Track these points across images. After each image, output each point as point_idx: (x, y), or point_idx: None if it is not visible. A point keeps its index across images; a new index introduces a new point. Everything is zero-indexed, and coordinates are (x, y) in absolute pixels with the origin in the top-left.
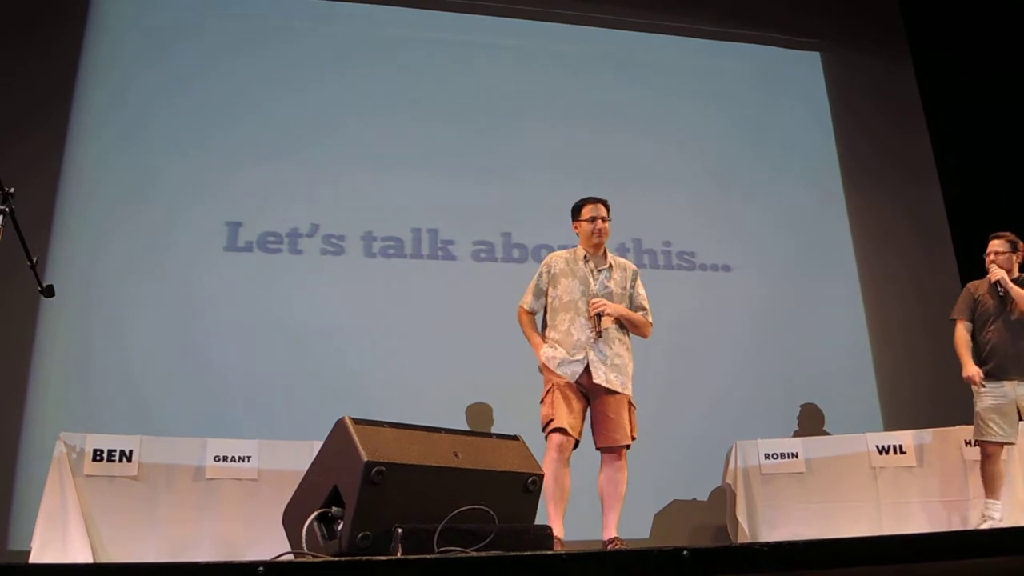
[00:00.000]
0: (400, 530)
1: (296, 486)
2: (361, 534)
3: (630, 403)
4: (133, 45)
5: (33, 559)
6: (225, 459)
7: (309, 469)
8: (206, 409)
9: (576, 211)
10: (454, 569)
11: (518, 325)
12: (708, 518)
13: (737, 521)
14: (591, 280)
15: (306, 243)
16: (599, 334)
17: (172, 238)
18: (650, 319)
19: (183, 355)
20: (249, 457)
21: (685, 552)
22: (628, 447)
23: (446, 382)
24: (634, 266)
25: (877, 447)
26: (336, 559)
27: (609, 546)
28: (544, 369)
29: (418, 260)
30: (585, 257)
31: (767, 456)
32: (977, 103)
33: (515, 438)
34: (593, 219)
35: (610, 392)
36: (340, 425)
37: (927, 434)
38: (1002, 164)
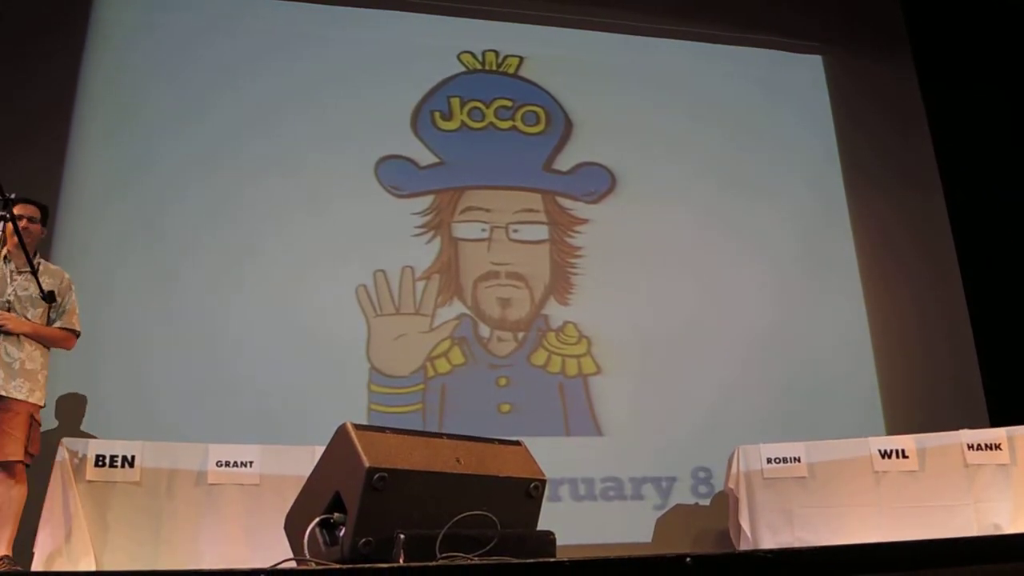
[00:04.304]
0: (402, 536)
1: (298, 491)
2: (363, 540)
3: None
4: (137, 55)
5: (35, 566)
6: (227, 464)
7: (311, 475)
8: (209, 414)
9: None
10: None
11: None
12: (710, 523)
13: (740, 526)
14: (8, 282)
15: (310, 251)
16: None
17: (176, 245)
18: (77, 328)
19: (186, 361)
20: (251, 462)
21: (688, 559)
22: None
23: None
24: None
25: (879, 451)
26: (338, 566)
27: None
28: None
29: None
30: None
31: (769, 460)
32: (979, 107)
33: (517, 443)
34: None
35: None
36: (342, 431)
37: (929, 438)
38: (1005, 169)
